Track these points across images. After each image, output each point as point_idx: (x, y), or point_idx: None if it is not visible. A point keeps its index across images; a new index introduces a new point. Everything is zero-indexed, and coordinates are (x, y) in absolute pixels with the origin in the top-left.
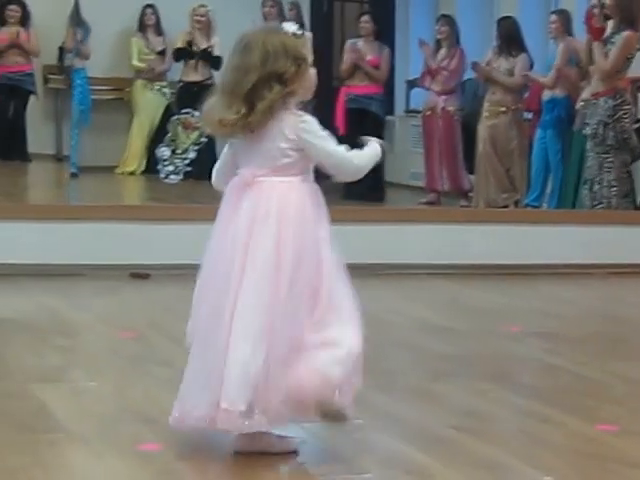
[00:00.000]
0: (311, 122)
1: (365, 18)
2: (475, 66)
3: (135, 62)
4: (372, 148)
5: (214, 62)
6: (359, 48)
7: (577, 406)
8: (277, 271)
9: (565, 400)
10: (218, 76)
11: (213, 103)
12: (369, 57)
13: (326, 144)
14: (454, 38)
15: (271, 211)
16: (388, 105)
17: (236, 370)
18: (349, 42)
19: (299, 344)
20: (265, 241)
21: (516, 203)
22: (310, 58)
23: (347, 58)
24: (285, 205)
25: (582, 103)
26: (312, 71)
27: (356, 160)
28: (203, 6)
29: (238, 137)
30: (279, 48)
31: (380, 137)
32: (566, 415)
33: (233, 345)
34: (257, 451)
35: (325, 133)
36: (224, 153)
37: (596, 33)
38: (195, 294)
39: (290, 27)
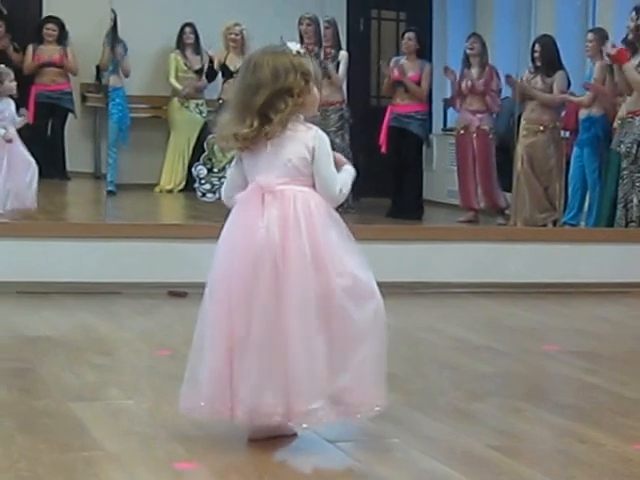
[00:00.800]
0: (325, 138)
1: (409, 35)
2: (509, 80)
3: (172, 80)
4: (348, 172)
5: None
6: (401, 64)
7: (615, 426)
8: (317, 272)
9: (603, 420)
10: None
11: (226, 120)
12: (410, 74)
13: (328, 163)
14: (485, 56)
15: (300, 218)
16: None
17: (303, 368)
18: (393, 59)
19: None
20: (302, 246)
21: (554, 222)
22: (316, 75)
23: (389, 75)
24: (309, 214)
25: (619, 121)
26: (315, 89)
27: (344, 189)
28: (237, 25)
29: (251, 149)
30: (288, 65)
31: (418, 156)
32: (604, 435)
33: (294, 345)
34: (270, 436)
35: (330, 154)
36: (232, 171)
37: (622, 57)
38: (215, 294)
39: (294, 46)
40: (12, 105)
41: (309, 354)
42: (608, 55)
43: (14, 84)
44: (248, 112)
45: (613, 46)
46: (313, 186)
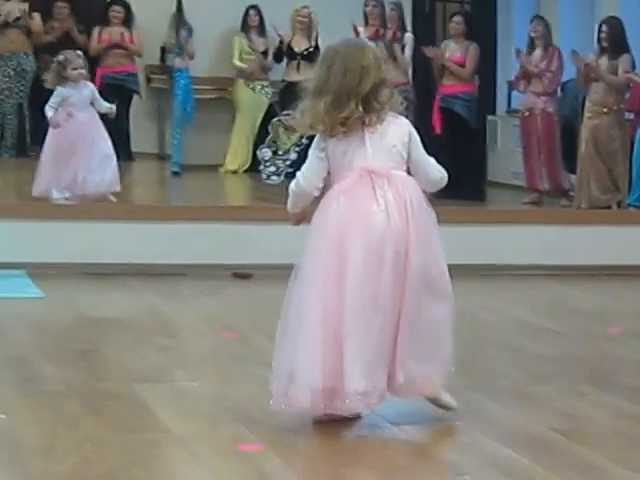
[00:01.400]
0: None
1: (457, 19)
2: (574, 56)
3: (236, 61)
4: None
5: None
6: (441, 47)
7: None
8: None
9: None
10: None
11: (318, 105)
12: (456, 55)
13: (422, 152)
14: (549, 38)
15: (414, 203)
16: (487, 105)
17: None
18: (444, 42)
19: None
20: (420, 231)
21: (619, 204)
22: None
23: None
24: (418, 199)
25: None
26: None
27: (444, 174)
28: (305, 7)
29: (344, 135)
30: (381, 57)
31: (470, 137)
32: None
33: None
34: (334, 419)
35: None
36: (316, 162)
37: None
38: (319, 282)
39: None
40: (83, 90)
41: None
42: None
43: (78, 72)
44: (351, 97)
45: None
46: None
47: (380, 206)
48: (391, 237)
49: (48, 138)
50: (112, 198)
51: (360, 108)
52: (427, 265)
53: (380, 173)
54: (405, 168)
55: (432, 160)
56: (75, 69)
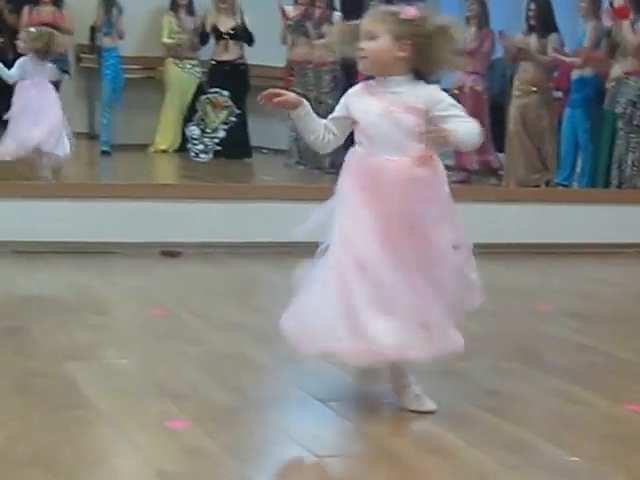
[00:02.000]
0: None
1: None
2: (502, 36)
3: (166, 39)
4: None
5: (247, 39)
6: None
7: (606, 386)
8: None
9: (594, 380)
10: (250, 55)
11: None
12: None
13: None
14: (484, 18)
15: None
16: None
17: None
18: None
19: None
20: None
21: (547, 182)
22: None
23: None
24: None
25: (613, 83)
26: None
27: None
28: None
29: None
30: None
31: None
32: (595, 395)
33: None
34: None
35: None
36: None
37: (621, 12)
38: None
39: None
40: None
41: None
42: (611, 4)
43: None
44: None
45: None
46: None
47: None
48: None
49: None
50: (50, 176)
51: None
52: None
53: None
54: None
55: None
56: (28, 42)
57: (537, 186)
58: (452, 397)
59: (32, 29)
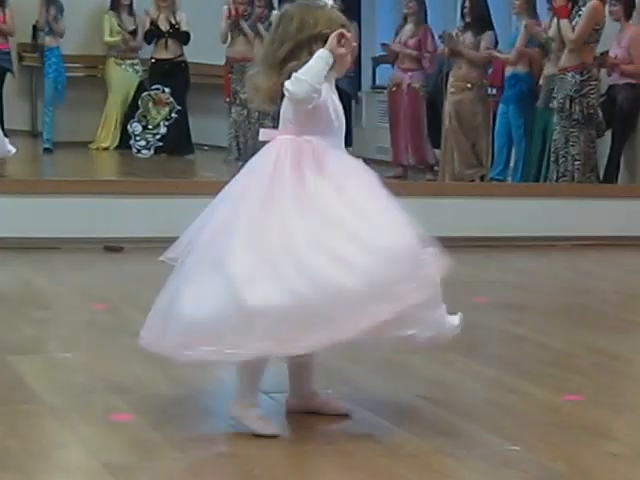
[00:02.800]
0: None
1: None
2: (446, 36)
3: (107, 38)
4: (315, 56)
5: (183, 38)
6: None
7: (543, 377)
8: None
9: (531, 371)
10: (190, 53)
11: (255, 75)
12: None
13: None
14: (422, 15)
15: (268, 163)
16: (356, 82)
17: None
18: None
19: None
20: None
21: (482, 178)
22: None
23: None
24: (283, 159)
25: (546, 79)
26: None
27: (293, 77)
28: None
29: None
30: (320, 18)
31: (348, 113)
32: (532, 385)
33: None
34: (308, 411)
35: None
36: None
37: (561, 12)
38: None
39: (328, 1)
40: None
41: None
42: (548, 1)
43: None
44: (270, 67)
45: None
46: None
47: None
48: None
49: None
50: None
51: (280, 78)
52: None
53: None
54: (296, 130)
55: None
56: None
57: (472, 181)
58: (393, 387)
59: None
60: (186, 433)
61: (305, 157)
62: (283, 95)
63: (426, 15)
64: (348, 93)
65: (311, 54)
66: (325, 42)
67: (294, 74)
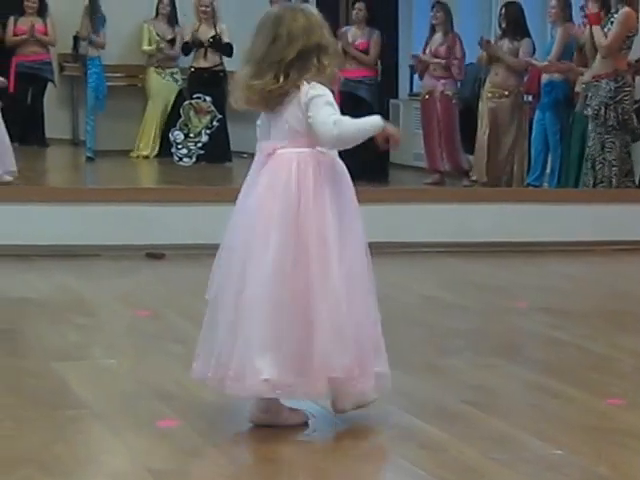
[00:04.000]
0: (320, 87)
1: (359, 5)
2: (484, 42)
3: (145, 47)
4: (368, 119)
5: (225, 49)
6: (345, 33)
7: (585, 380)
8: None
9: (573, 375)
10: (229, 62)
11: (246, 75)
12: (358, 41)
13: (320, 107)
14: (449, 24)
15: (291, 182)
16: (390, 89)
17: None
18: (342, 29)
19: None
20: (285, 212)
21: (517, 183)
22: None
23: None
24: (304, 176)
25: (583, 85)
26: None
27: (338, 128)
28: None
29: (263, 108)
30: (323, 23)
31: None
32: (574, 389)
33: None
34: (270, 424)
35: (324, 99)
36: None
37: (594, 18)
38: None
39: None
40: None
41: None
42: (582, 9)
43: None
44: (273, 66)
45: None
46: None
47: (257, 187)
48: (249, 218)
49: None
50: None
51: (282, 78)
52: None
53: (266, 152)
54: (305, 141)
55: (326, 116)
56: None
57: (509, 187)
58: (437, 392)
59: None
60: (231, 439)
61: (324, 173)
62: (278, 99)
63: (452, 23)
64: (369, 103)
65: (320, 61)
66: (327, 51)
67: (338, 125)
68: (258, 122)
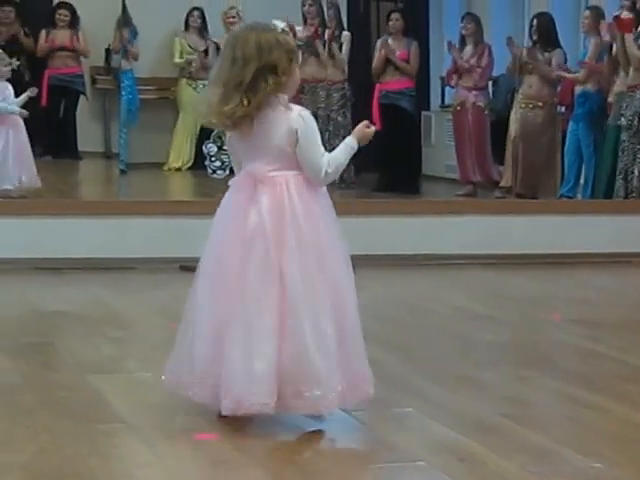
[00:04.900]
0: (309, 117)
1: (395, 15)
2: (510, 42)
3: (176, 60)
4: (345, 145)
5: None
6: (388, 43)
7: (621, 392)
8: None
9: (609, 386)
10: None
11: (212, 95)
12: (398, 52)
13: (312, 144)
14: (479, 35)
15: (295, 203)
16: (421, 100)
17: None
18: (380, 39)
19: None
20: (299, 233)
21: (551, 194)
22: (297, 55)
23: (378, 54)
24: (304, 198)
25: (616, 96)
26: (297, 69)
27: (329, 169)
28: (233, 7)
29: (237, 130)
30: (273, 42)
31: (412, 132)
32: (611, 401)
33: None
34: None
35: (315, 134)
36: (228, 150)
37: (626, 25)
38: (202, 278)
39: (279, 24)
40: (8, 88)
41: (303, 341)
42: (616, 18)
43: (8, 69)
44: (235, 90)
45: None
46: (298, 169)
47: (256, 208)
48: (260, 241)
49: None
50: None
51: (245, 101)
52: (306, 273)
53: (260, 177)
54: (294, 164)
55: (318, 157)
56: (6, 66)
57: (541, 198)
58: (474, 405)
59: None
60: (268, 452)
61: (315, 191)
62: (250, 121)
63: (482, 34)
64: (410, 113)
65: (267, 83)
66: (276, 70)
67: (331, 165)
68: (228, 142)
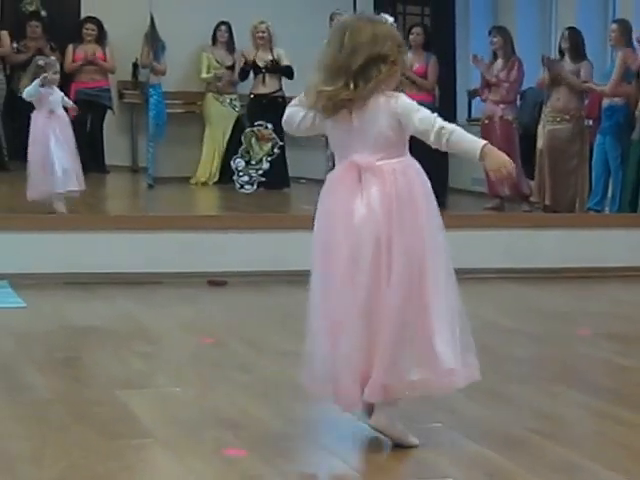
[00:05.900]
0: (403, 96)
1: (417, 30)
2: (545, 59)
3: (203, 75)
4: (475, 140)
5: (285, 72)
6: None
7: None
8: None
9: (639, 402)
10: (289, 86)
11: (313, 78)
12: (416, 66)
13: (417, 110)
14: (509, 48)
15: (402, 193)
16: (448, 114)
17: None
18: None
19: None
20: (405, 223)
21: (579, 208)
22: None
23: None
24: (411, 187)
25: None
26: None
27: (445, 126)
28: (263, 22)
29: (334, 118)
30: (387, 33)
31: (425, 145)
32: None
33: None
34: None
35: (416, 105)
36: (306, 113)
37: None
38: (315, 278)
39: (389, 18)
40: (57, 92)
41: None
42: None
43: (57, 76)
44: (342, 74)
45: None
46: (405, 155)
47: (363, 200)
48: (370, 233)
49: (30, 140)
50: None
51: (352, 85)
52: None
53: (367, 166)
54: (403, 150)
55: (426, 114)
56: (55, 73)
57: (569, 212)
58: (502, 419)
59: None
60: (297, 468)
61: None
62: (348, 105)
63: (513, 47)
64: None
65: (380, 71)
66: (386, 60)
67: (449, 127)
68: (326, 132)
